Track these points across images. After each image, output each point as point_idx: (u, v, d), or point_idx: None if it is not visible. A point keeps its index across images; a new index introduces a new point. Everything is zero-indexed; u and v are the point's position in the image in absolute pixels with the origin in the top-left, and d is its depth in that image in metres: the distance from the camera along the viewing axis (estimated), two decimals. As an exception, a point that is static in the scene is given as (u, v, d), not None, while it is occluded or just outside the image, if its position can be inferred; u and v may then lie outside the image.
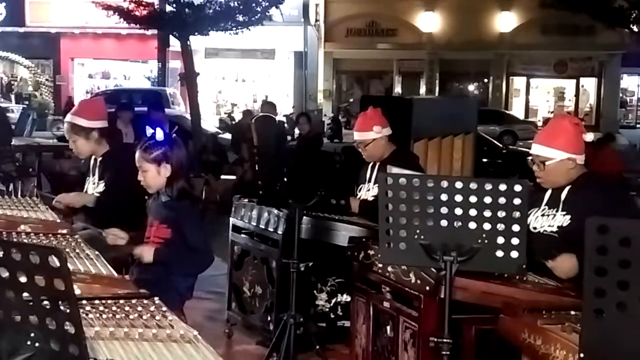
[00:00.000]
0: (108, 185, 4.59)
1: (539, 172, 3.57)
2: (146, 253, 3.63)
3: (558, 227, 3.50)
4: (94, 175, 4.71)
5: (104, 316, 2.42)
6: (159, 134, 3.67)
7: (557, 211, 3.53)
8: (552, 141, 3.52)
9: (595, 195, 3.41)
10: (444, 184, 2.72)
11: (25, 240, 3.49)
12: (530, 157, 3.62)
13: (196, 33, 16.32)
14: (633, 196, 4.54)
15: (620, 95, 31.21)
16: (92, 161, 4.75)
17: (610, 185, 3.80)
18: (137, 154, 3.70)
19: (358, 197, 5.02)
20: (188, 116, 16.41)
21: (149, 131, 3.72)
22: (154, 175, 3.67)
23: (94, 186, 4.69)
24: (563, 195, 3.52)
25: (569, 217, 3.47)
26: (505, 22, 28.90)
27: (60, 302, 1.76)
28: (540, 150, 3.54)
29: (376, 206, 2.90)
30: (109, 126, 4.85)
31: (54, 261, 1.73)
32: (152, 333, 2.29)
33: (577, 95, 30.97)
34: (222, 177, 11.47)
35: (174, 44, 18.67)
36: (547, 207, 3.58)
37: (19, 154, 8.77)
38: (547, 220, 3.56)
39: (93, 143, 4.65)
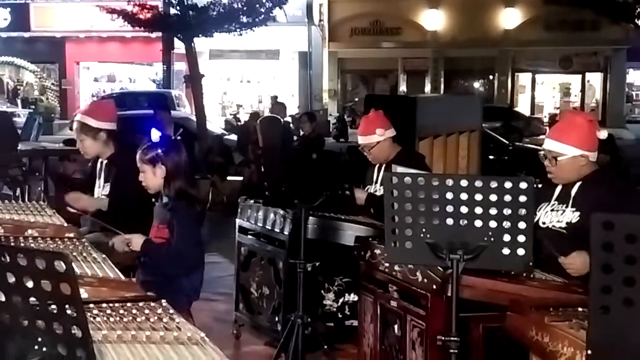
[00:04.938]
0: (112, 187, 4.61)
1: (550, 167, 3.54)
2: (135, 241, 3.67)
3: (567, 223, 3.48)
4: (99, 178, 4.74)
5: (112, 319, 2.42)
6: (154, 136, 3.73)
7: (566, 207, 3.51)
8: (565, 137, 3.49)
9: (605, 192, 3.39)
10: (449, 182, 2.72)
11: (33, 245, 3.50)
12: (542, 152, 3.60)
13: (200, 35, 16.31)
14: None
15: (626, 90, 31.07)
16: (98, 164, 4.77)
17: (620, 183, 3.78)
18: (137, 156, 3.79)
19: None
20: (194, 118, 16.42)
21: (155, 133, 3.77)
22: (150, 176, 3.76)
23: (99, 189, 4.71)
24: (573, 191, 3.51)
25: (577, 213, 3.45)
26: (509, 18, 28.81)
27: (67, 306, 1.76)
28: (553, 146, 3.52)
29: (383, 202, 2.90)
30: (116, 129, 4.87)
31: (60, 266, 1.74)
32: (159, 336, 2.29)
33: (582, 90, 30.83)
34: (228, 178, 11.46)
35: (179, 46, 18.63)
36: (556, 203, 3.57)
37: (26, 159, 8.76)
38: (556, 216, 3.54)
39: (100, 144, 4.68)
